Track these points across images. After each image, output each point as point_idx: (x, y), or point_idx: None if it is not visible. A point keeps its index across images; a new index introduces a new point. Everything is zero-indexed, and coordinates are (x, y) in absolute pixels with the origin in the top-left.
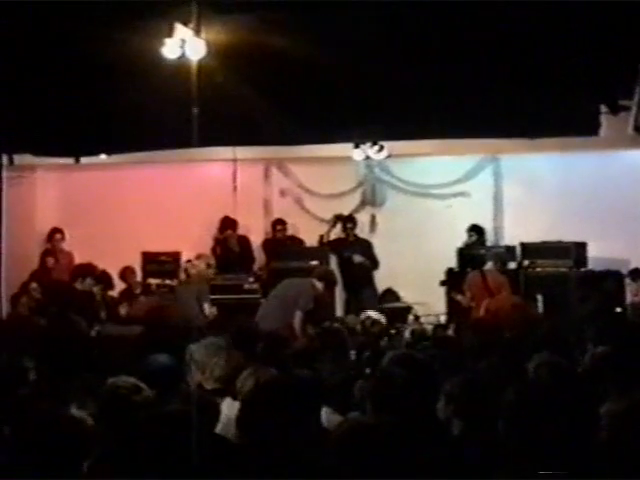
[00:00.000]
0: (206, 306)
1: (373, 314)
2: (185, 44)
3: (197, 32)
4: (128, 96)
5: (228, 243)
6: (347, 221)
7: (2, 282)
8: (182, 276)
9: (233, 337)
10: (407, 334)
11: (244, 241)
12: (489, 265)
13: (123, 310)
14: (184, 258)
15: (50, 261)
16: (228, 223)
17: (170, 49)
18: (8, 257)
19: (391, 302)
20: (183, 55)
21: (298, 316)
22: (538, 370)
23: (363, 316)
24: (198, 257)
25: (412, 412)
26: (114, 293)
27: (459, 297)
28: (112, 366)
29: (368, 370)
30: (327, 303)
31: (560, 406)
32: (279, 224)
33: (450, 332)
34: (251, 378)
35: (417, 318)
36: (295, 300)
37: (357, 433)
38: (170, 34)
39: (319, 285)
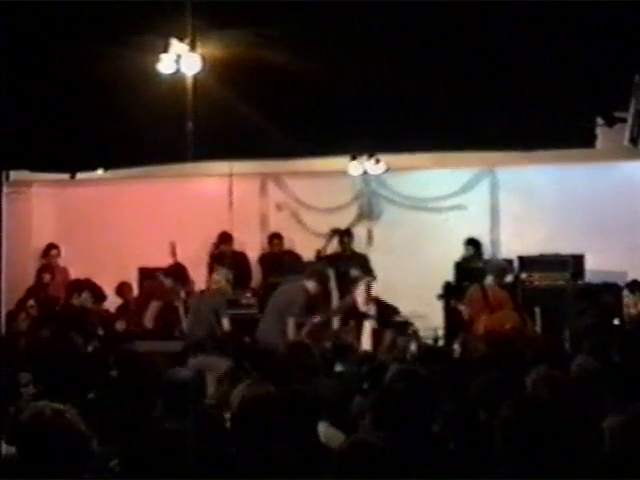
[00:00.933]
0: (224, 321)
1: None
2: (180, 59)
3: (192, 47)
4: (124, 111)
5: (223, 259)
6: (344, 235)
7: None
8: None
9: (233, 355)
10: (413, 347)
11: (240, 257)
12: (489, 279)
13: (120, 325)
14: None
15: (46, 277)
16: (224, 238)
17: (165, 64)
18: (4, 273)
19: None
20: (178, 70)
21: (290, 324)
22: (536, 384)
23: None
24: (215, 271)
25: (412, 428)
26: (111, 309)
27: (461, 307)
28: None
29: (366, 385)
30: (323, 301)
31: (557, 419)
32: (275, 238)
33: (456, 347)
34: (241, 394)
35: (415, 333)
36: (287, 308)
37: (360, 451)
38: (165, 49)
39: (311, 286)
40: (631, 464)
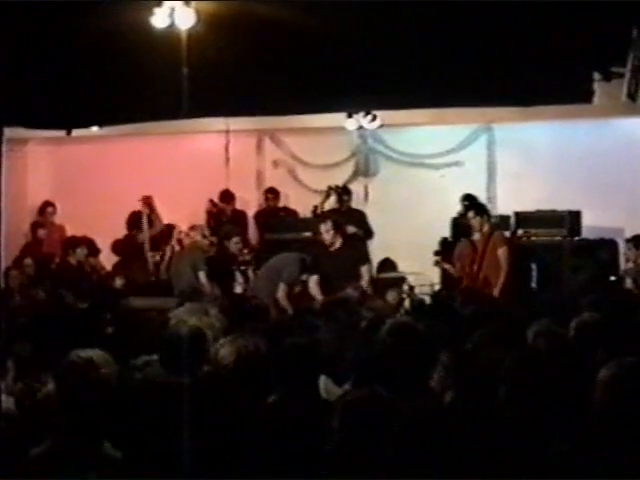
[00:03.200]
0: (201, 274)
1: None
2: (174, 13)
3: (186, 1)
4: (118, 67)
5: (222, 216)
6: (342, 192)
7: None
8: (176, 247)
9: (220, 305)
10: (407, 304)
11: (240, 215)
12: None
13: (118, 282)
14: (178, 230)
15: (41, 232)
16: (226, 196)
17: (159, 18)
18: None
19: (387, 272)
20: (172, 24)
21: (281, 288)
22: (536, 338)
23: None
24: (192, 228)
25: (406, 383)
26: (108, 266)
27: (446, 266)
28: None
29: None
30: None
31: (559, 372)
32: (270, 193)
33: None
34: (228, 346)
35: (412, 288)
36: (279, 272)
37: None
38: (159, 3)
39: (309, 260)
40: (620, 416)
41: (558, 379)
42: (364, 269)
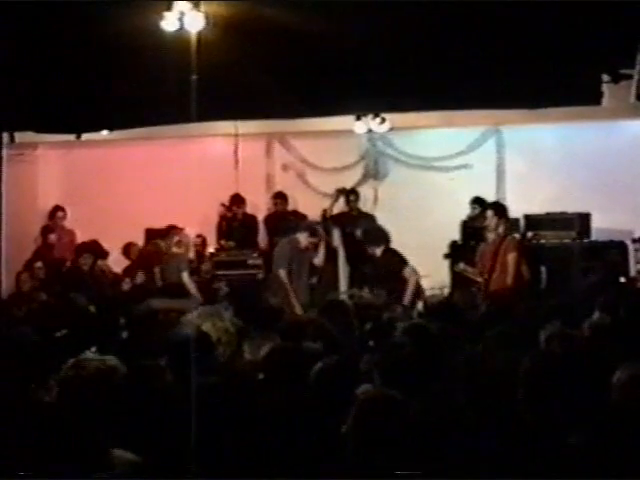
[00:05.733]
0: (184, 275)
1: (363, 293)
2: (184, 17)
3: (196, 5)
4: (128, 71)
5: (233, 221)
6: (350, 195)
7: (3, 260)
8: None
9: (235, 307)
10: (420, 306)
11: (250, 219)
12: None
13: (126, 286)
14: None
15: (52, 238)
16: (237, 200)
17: (169, 22)
18: (10, 235)
19: None
20: (182, 28)
21: (280, 273)
22: (550, 340)
23: (350, 293)
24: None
25: (421, 384)
26: (118, 270)
27: (462, 266)
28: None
29: (372, 342)
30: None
31: (575, 374)
32: (279, 198)
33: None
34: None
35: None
36: (275, 262)
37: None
38: (169, 7)
39: (303, 238)
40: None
41: (575, 381)
42: None
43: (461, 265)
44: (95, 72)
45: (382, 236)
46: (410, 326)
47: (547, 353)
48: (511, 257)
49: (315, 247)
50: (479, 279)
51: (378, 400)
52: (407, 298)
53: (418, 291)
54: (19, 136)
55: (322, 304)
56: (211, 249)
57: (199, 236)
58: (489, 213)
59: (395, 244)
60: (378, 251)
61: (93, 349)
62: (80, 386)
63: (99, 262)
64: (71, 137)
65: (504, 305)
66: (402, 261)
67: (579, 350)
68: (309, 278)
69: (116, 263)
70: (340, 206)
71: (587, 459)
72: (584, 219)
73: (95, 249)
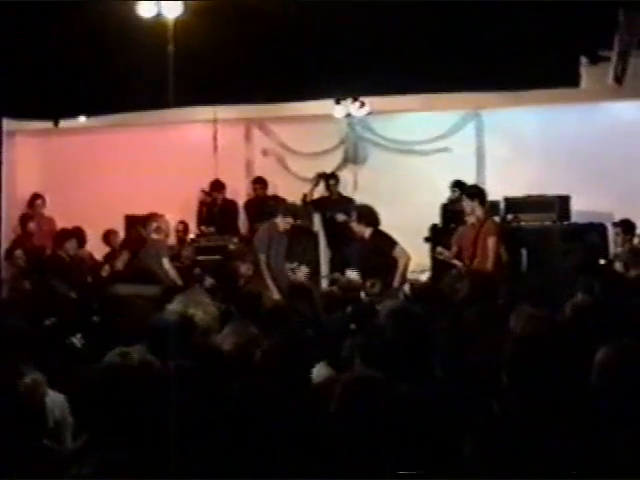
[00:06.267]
0: (164, 261)
1: (351, 274)
2: (161, 2)
3: None
4: (105, 57)
5: (214, 206)
6: (330, 179)
7: None
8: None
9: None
10: (406, 288)
11: (231, 205)
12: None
13: (105, 273)
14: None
15: (31, 226)
16: (217, 186)
17: (146, 8)
18: None
19: None
20: (159, 14)
21: (260, 258)
22: (518, 322)
23: (332, 276)
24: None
25: (405, 366)
26: (99, 257)
27: (439, 250)
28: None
29: (353, 326)
30: (297, 237)
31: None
32: (258, 183)
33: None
34: (233, 335)
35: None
36: (254, 245)
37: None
38: None
39: (281, 221)
40: (615, 395)
41: (556, 363)
42: None
43: (438, 249)
44: (72, 58)
45: (373, 216)
46: (393, 309)
47: (526, 336)
48: (491, 241)
49: (295, 230)
50: (456, 262)
51: (361, 382)
52: (397, 279)
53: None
54: None
55: (286, 288)
56: (192, 235)
57: (181, 222)
58: (465, 197)
59: None
60: (367, 232)
61: (78, 336)
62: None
63: (79, 250)
64: (49, 124)
65: (484, 288)
66: (392, 242)
67: (552, 332)
68: (290, 262)
69: (96, 250)
70: (320, 191)
71: (571, 442)
72: (564, 202)
73: (78, 237)
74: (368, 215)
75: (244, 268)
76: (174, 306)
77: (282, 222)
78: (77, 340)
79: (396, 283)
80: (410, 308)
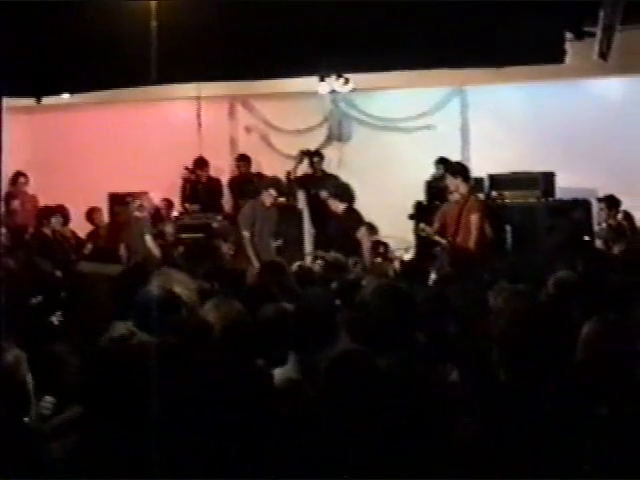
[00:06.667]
0: (147, 238)
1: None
2: None
3: None
4: (87, 33)
5: (197, 184)
6: (314, 156)
7: None
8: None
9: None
10: (396, 264)
11: (214, 182)
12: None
13: (88, 250)
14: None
15: (14, 204)
16: (200, 163)
17: None
18: None
19: None
20: None
21: (244, 235)
22: (497, 299)
23: (315, 253)
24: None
25: (391, 343)
26: (82, 235)
27: (422, 226)
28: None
29: (338, 301)
30: (281, 215)
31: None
32: (242, 160)
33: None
34: (214, 310)
35: (386, 251)
36: (238, 222)
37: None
38: None
39: (267, 197)
40: (599, 371)
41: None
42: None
43: (421, 225)
44: (54, 34)
45: (349, 193)
46: (380, 285)
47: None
48: (474, 218)
49: (279, 207)
50: (439, 239)
51: (349, 356)
52: (365, 260)
53: (380, 252)
54: None
55: (261, 266)
56: (176, 213)
57: (165, 200)
58: (449, 174)
59: (360, 205)
60: (341, 207)
61: (58, 313)
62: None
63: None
64: (31, 101)
65: (468, 265)
66: (357, 222)
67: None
68: (275, 240)
69: (79, 228)
70: (304, 168)
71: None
72: (548, 178)
73: (62, 214)
74: (343, 192)
75: (225, 247)
76: (155, 284)
77: (267, 197)
78: (55, 318)
79: (367, 263)
80: (397, 285)
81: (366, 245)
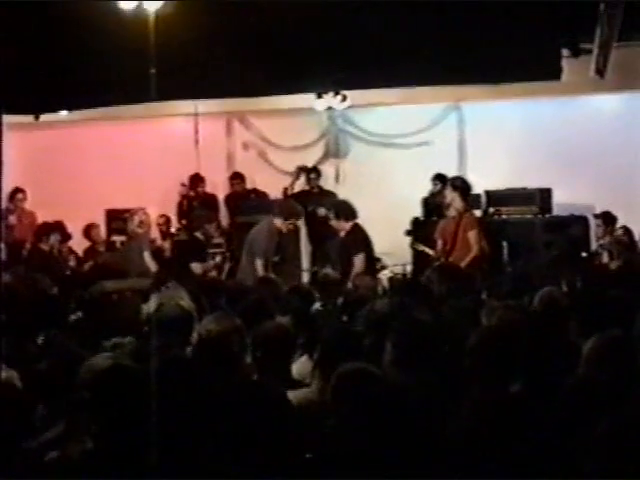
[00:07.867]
0: (146, 255)
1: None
2: None
3: None
4: (85, 50)
5: (193, 200)
6: (311, 172)
7: None
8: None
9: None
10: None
11: (211, 198)
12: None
13: (87, 267)
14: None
15: (12, 219)
16: (197, 180)
17: (127, 1)
18: None
19: None
20: (140, 6)
21: (258, 263)
22: (489, 316)
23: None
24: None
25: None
26: (79, 252)
27: (421, 248)
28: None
29: (345, 318)
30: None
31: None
32: (236, 178)
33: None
34: (212, 324)
35: (383, 268)
36: (252, 248)
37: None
38: None
39: (278, 221)
40: (602, 386)
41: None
42: None
43: (414, 242)
44: (53, 51)
45: (351, 210)
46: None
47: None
48: (472, 234)
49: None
50: (435, 255)
51: (357, 374)
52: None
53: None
54: None
55: (254, 282)
56: (174, 229)
57: (162, 216)
58: (448, 188)
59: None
60: (348, 226)
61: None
62: None
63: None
64: (30, 118)
65: (465, 281)
66: (360, 247)
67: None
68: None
69: (76, 245)
70: (301, 184)
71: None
72: (545, 194)
73: (60, 231)
74: (346, 210)
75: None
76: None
77: (284, 225)
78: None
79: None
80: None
81: (355, 270)
